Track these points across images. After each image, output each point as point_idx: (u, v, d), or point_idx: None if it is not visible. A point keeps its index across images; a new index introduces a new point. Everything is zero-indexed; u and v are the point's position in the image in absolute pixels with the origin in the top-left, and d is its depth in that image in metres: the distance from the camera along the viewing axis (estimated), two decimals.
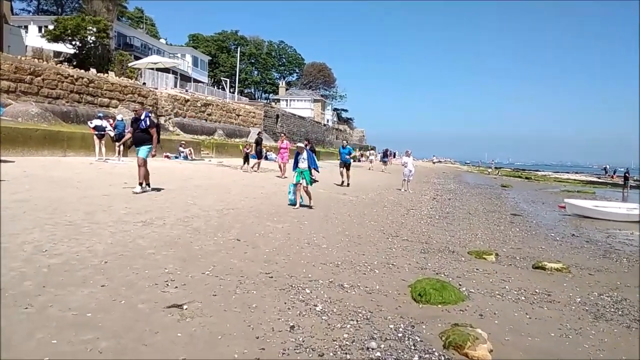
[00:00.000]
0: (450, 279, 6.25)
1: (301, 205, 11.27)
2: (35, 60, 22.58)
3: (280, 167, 19.64)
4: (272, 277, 5.38)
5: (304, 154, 11.31)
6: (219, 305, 4.31)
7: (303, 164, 11.24)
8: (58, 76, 21.45)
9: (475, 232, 10.74)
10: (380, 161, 38.68)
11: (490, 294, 5.78)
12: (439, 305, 5.08)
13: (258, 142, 21.68)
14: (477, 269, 7.07)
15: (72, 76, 22.33)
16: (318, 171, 16.02)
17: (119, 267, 5.09)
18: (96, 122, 18.10)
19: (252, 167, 20.85)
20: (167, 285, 4.71)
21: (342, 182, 18.68)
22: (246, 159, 21.68)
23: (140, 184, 10.72)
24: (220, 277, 5.14)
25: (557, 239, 11.09)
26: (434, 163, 76.36)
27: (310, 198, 11.50)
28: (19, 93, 19.53)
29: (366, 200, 14.96)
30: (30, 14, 55.28)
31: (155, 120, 11.19)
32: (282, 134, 23.34)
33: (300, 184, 11.24)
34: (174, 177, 14.98)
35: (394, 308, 4.85)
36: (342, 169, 19.05)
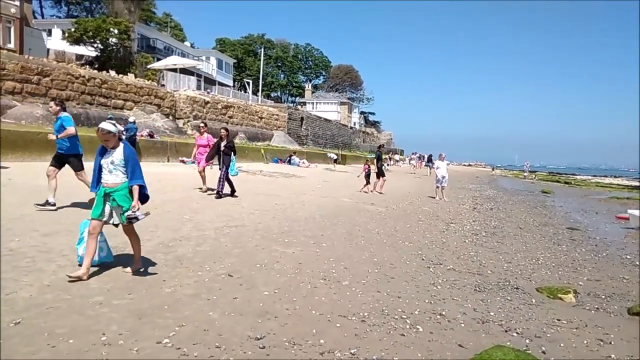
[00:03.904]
0: (528, 341, 4.33)
1: (97, 265, 5.00)
2: (44, 59, 21.55)
3: (201, 175, 12.14)
4: (263, 348, 3.57)
5: (119, 151, 4.82)
6: None
7: (111, 178, 4.81)
8: (68, 77, 20.29)
9: (535, 256, 8.68)
10: (425, 165, 38.66)
11: None
12: None
13: (379, 158, 18.19)
14: (557, 319, 5.10)
15: (84, 77, 21.15)
16: (231, 177, 11.21)
17: (33, 335, 3.37)
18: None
19: (374, 188, 17.35)
20: None
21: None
22: (368, 178, 17.26)
23: None
24: (183, 352, 3.36)
25: (637, 263, 8.92)
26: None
27: (137, 250, 5.21)
28: (25, 94, 18.40)
29: (397, 211, 13.02)
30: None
31: None
32: (202, 125, 13.05)
33: (102, 221, 4.86)
34: (181, 184, 13.39)
35: None
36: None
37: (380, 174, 17.51)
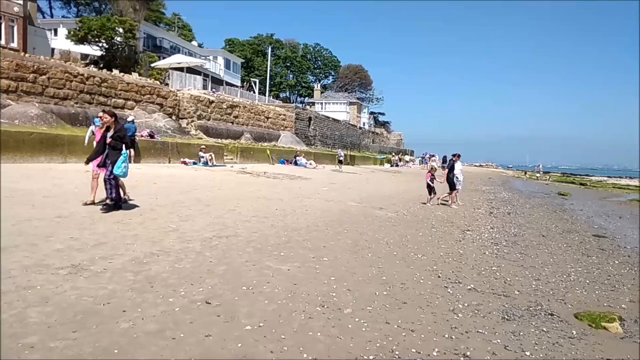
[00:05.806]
0: None
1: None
2: (41, 57, 20.86)
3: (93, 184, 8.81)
4: None
5: None
6: None
7: None
8: (66, 75, 19.58)
9: (565, 270, 7.67)
10: (440, 166, 36.26)
11: None
12: None
13: (452, 167, 15.68)
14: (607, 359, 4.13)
15: (82, 75, 20.43)
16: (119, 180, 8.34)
17: None
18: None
19: (440, 199, 15.64)
20: None
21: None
22: (430, 188, 15.61)
23: None
24: None
25: None
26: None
27: None
28: (21, 93, 17.70)
29: (408, 217, 12.05)
30: None
31: None
32: (100, 114, 8.75)
33: None
34: (176, 187, 12.56)
35: None
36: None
37: (451, 185, 15.65)
